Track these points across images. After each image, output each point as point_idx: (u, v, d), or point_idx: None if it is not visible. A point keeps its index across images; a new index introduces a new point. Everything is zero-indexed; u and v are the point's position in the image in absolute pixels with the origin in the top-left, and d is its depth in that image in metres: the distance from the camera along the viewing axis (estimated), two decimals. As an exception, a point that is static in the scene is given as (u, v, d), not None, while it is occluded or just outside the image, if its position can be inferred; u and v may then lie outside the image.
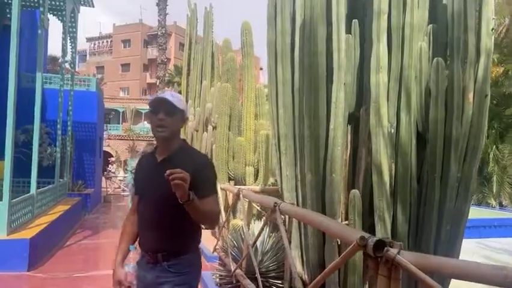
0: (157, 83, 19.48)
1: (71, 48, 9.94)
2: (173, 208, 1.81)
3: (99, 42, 51.67)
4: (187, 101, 11.25)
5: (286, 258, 2.41)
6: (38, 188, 7.90)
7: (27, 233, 5.66)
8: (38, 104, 6.84)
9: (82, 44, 43.32)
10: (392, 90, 3.10)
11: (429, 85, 3.08)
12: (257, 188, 6.35)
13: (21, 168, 8.19)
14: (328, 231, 2.11)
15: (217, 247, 4.91)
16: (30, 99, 11.42)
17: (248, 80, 7.71)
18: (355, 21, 3.47)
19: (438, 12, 3.30)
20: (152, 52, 48.88)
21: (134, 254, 2.24)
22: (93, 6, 10.13)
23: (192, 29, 11.11)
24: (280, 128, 3.85)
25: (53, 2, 9.33)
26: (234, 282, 4.00)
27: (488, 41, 3.14)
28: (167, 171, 1.65)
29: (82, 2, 9.88)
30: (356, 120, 3.52)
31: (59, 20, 9.65)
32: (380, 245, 1.69)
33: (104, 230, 8.92)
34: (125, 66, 45.94)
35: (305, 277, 3.72)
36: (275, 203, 2.77)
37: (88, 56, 49.95)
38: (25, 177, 9.06)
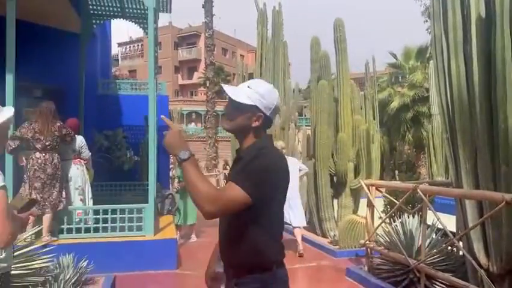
0: (207, 84, 19.89)
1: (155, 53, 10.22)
2: (242, 213, 1.57)
3: (130, 47, 52.71)
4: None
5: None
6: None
7: (168, 233, 5.94)
8: (153, 109, 6.82)
9: (113, 49, 44.30)
10: None
11: None
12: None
13: (101, 173, 8.41)
14: None
15: (367, 241, 5.06)
16: (108, 105, 11.82)
17: (344, 76, 7.83)
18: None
19: None
20: (183, 54, 49.57)
21: None
22: (170, 12, 10.41)
23: (263, 28, 11.32)
24: (456, 123, 3.94)
25: (136, 11, 9.70)
26: (411, 276, 4.18)
27: None
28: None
29: (162, 9, 10.15)
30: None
31: (140, 27, 10.02)
32: None
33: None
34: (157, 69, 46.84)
35: (493, 268, 3.77)
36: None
37: (120, 60, 51.02)
38: (105, 180, 9.39)
